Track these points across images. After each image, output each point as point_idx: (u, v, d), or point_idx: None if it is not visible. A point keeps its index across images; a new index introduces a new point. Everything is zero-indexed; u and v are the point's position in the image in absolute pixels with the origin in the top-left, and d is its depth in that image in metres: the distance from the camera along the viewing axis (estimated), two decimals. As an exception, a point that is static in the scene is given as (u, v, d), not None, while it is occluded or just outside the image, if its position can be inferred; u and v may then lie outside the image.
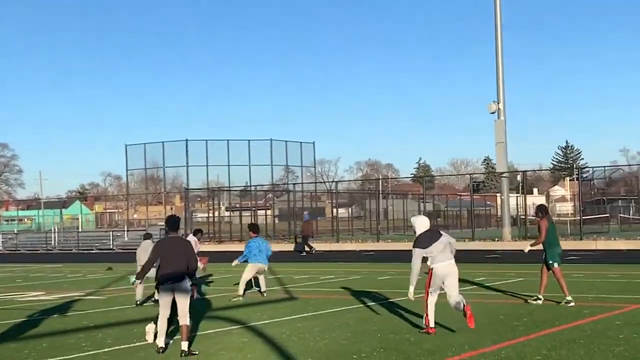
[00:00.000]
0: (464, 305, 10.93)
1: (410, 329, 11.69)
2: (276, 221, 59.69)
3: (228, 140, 55.80)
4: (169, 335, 10.71)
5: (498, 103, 38.07)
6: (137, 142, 58.09)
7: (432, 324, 11.20)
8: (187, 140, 54.76)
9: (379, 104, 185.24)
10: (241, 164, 55.85)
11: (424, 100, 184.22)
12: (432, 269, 11.27)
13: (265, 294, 17.28)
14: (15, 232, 61.42)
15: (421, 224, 11.63)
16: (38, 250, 52.58)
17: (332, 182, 77.61)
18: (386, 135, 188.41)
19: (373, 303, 15.35)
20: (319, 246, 41.62)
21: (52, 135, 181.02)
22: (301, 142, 60.07)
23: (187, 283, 10.45)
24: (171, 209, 74.92)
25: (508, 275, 21.12)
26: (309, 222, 41.21)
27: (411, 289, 11.17)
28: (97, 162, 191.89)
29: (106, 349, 10.63)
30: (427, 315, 11.25)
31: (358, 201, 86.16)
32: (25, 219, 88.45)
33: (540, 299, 14.46)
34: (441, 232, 11.64)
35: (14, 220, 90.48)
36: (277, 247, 38.31)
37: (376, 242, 41.93)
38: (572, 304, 13.94)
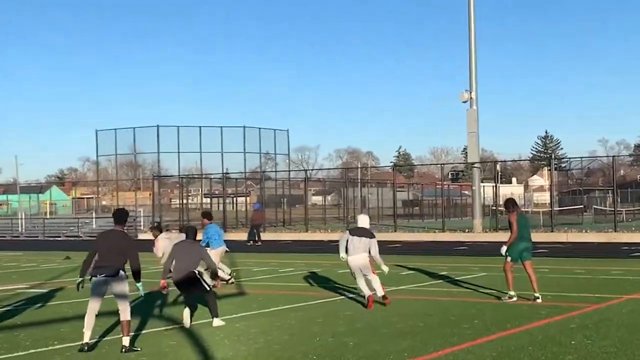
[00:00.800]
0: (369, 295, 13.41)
1: (354, 331, 11.00)
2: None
3: (200, 126, 54.95)
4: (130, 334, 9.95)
5: (470, 92, 37.33)
6: (108, 128, 57.00)
7: (365, 292, 13.48)
8: (158, 126, 53.80)
9: (360, 91, 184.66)
10: (214, 150, 54.96)
11: (405, 88, 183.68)
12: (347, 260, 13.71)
13: (232, 280, 17.48)
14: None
15: (361, 220, 14.24)
16: (5, 237, 51.46)
17: (310, 170, 76.83)
18: (367, 123, 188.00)
19: (322, 300, 14.66)
20: (288, 236, 40.96)
21: (30, 120, 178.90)
22: (275, 130, 59.31)
23: (123, 278, 9.94)
24: (150, 195, 74.02)
25: (472, 269, 20.49)
26: (260, 211, 40.65)
27: (341, 254, 13.89)
28: (76, 147, 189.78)
29: (20, 352, 9.84)
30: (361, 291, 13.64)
31: (337, 189, 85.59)
32: (1, 204, 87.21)
33: (513, 295, 13.97)
34: (371, 233, 13.97)
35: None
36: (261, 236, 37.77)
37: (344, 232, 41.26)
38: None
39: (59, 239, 48.13)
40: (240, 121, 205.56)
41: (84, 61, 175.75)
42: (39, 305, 14.74)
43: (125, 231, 10.54)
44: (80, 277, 10.16)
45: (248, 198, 70.12)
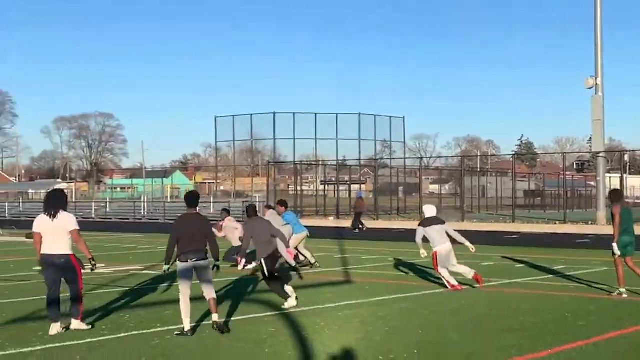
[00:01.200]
0: (473, 274, 14.38)
1: (460, 325, 10.50)
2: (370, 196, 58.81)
3: (316, 113, 55.07)
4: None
5: (596, 78, 35.65)
6: (227, 114, 58.05)
7: (453, 282, 14.23)
8: (274, 113, 54.30)
9: (481, 79, 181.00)
10: (329, 137, 55.01)
11: (528, 75, 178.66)
12: (435, 252, 14.35)
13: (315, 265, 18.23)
14: (108, 200, 62.35)
15: (431, 210, 15.02)
16: (128, 219, 53.20)
17: (427, 157, 75.88)
18: (488, 111, 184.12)
19: (430, 291, 14.21)
20: (402, 224, 40.47)
21: (156, 106, 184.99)
22: (391, 117, 58.77)
23: (207, 261, 10.05)
24: (270, 180, 75.03)
25: (593, 263, 19.45)
26: (362, 200, 40.40)
27: (421, 250, 14.59)
28: (199, 133, 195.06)
29: (123, 334, 9.89)
30: (447, 282, 14.28)
31: (455, 178, 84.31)
32: (128, 188, 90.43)
33: (623, 292, 13.18)
34: (442, 220, 14.93)
35: (117, 188, 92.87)
36: (374, 224, 37.47)
37: (460, 222, 40.30)
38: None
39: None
40: (356, 108, 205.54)
41: (204, 51, 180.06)
42: (149, 287, 14.91)
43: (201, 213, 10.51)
44: (166, 263, 10.13)
45: (364, 186, 69.99)
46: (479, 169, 67.44)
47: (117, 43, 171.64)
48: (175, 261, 10.06)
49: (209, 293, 10.08)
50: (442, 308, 12.14)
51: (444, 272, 14.38)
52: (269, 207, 18.81)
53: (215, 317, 10.03)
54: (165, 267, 10.19)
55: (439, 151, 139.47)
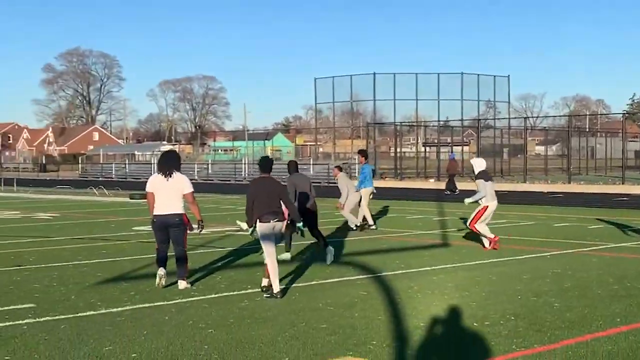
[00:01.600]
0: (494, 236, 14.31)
1: (561, 291, 9.97)
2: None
3: (416, 73, 54.10)
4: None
5: None
6: (326, 76, 57.71)
7: (490, 235, 14.24)
8: (374, 74, 53.66)
9: (589, 36, 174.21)
10: (430, 98, 54.04)
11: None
12: (487, 206, 14.25)
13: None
14: (210, 162, 63.31)
15: (479, 164, 14.61)
16: (229, 181, 53.87)
17: (532, 117, 73.72)
18: (598, 70, 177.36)
19: (531, 255, 13.62)
20: (506, 186, 39.44)
21: (258, 69, 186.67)
22: (495, 76, 57.13)
23: (283, 222, 10.06)
24: (370, 142, 74.71)
25: None
26: (455, 161, 39.34)
27: (468, 200, 14.71)
28: (301, 95, 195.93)
29: (213, 295, 9.82)
30: (486, 236, 14.25)
31: (563, 139, 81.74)
32: (231, 150, 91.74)
33: None
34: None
35: (220, 150, 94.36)
36: (474, 185, 36.63)
37: (567, 183, 38.90)
38: None
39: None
40: (458, 67, 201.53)
41: (303, 12, 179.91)
42: (243, 248, 14.84)
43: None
44: (249, 226, 10.07)
45: (467, 147, 68.69)
46: (587, 129, 65.01)
47: (218, 7, 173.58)
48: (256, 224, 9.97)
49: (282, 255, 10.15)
50: (544, 273, 11.57)
51: (482, 228, 14.30)
52: (339, 168, 18.52)
53: (265, 282, 9.84)
54: (248, 228, 10.17)
55: (545, 111, 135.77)
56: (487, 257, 13.32)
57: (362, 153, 19.36)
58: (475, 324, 8.12)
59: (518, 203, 28.35)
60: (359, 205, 18.16)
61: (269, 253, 9.83)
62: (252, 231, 10.13)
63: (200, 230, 10.71)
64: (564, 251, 14.07)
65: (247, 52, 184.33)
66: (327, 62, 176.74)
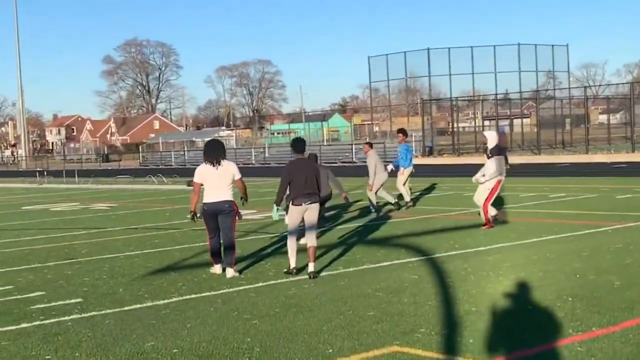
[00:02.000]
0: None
1: (622, 268, 9.53)
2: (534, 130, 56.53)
3: (472, 47, 53.09)
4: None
5: None
6: (380, 54, 57.11)
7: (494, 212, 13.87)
8: (428, 49, 52.86)
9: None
10: (487, 71, 52.96)
11: None
12: (500, 180, 13.67)
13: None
14: (266, 145, 63.35)
15: (493, 138, 13.95)
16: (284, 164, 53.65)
17: (593, 86, 71.85)
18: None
19: (591, 230, 13.11)
20: (567, 158, 38.51)
21: (313, 50, 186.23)
22: (553, 45, 55.70)
23: (317, 204, 10.15)
24: (427, 119, 73.94)
25: None
26: (504, 135, 38.42)
27: (481, 178, 13.83)
28: (357, 75, 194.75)
29: (260, 283, 9.64)
30: (495, 214, 13.84)
31: (627, 107, 79.52)
32: (288, 132, 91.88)
33: None
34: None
35: (279, 133, 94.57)
36: (536, 159, 35.86)
37: (631, 152, 37.72)
38: None
39: (335, 164, 49.19)
40: (515, 38, 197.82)
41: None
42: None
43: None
44: (277, 204, 10.29)
45: (527, 119, 67.39)
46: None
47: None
48: (287, 204, 10.21)
49: (311, 240, 10.02)
50: (605, 248, 11.10)
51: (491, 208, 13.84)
52: (370, 145, 18.15)
53: (311, 266, 9.84)
54: (276, 208, 10.39)
55: (608, 79, 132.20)
56: (547, 233, 12.86)
57: (402, 131, 18.86)
58: (530, 307, 7.78)
59: (579, 175, 27.57)
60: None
61: (291, 234, 10.15)
62: (277, 210, 10.35)
63: (244, 203, 10.75)
64: (627, 224, 13.53)
65: (301, 34, 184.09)
66: (381, 39, 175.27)
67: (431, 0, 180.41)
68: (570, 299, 7.97)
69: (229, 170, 10.32)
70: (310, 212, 10.06)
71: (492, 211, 13.87)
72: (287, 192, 10.23)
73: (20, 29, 78.96)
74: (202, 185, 10.36)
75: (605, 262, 9.99)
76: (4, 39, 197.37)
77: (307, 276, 9.76)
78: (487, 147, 14.03)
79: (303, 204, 9.97)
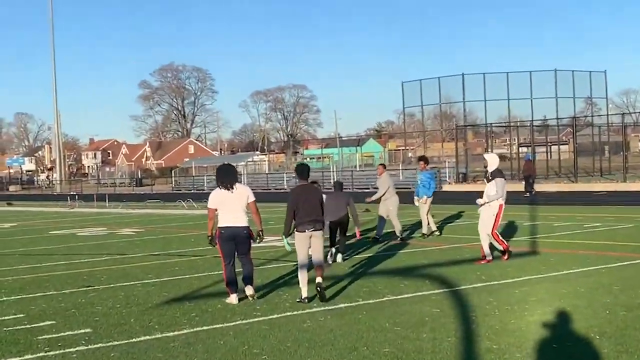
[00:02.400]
0: None
1: (655, 304, 9.02)
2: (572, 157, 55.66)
3: (507, 72, 52.52)
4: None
5: None
6: (414, 79, 56.79)
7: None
8: (463, 75, 52.40)
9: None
10: (523, 97, 52.32)
11: None
12: (502, 205, 12.99)
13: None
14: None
15: (494, 161, 13.29)
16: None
17: (633, 113, 70.73)
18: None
19: (626, 263, 12.59)
20: (604, 186, 37.72)
21: (347, 75, 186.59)
22: (590, 72, 54.90)
23: (322, 230, 10.23)
24: (463, 145, 73.35)
25: None
26: (531, 162, 37.76)
27: (480, 200, 13.12)
28: (392, 100, 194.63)
29: (276, 314, 9.31)
30: (501, 243, 13.19)
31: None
32: (322, 158, 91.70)
33: None
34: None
35: (313, 158, 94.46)
36: (572, 187, 35.26)
37: (671, 180, 36.85)
38: None
39: (367, 190, 48.78)
40: (551, 64, 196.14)
41: (386, 17, 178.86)
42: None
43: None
44: (285, 235, 10.25)
45: (566, 146, 66.47)
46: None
47: (304, 17, 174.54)
48: (293, 232, 10.16)
49: (318, 259, 10.10)
50: (637, 283, 10.60)
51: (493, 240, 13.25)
52: (384, 166, 18.12)
53: (318, 279, 9.92)
54: (286, 239, 10.32)
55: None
56: (578, 265, 12.36)
57: (423, 159, 18.53)
58: (554, 345, 7.35)
59: (616, 204, 26.88)
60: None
61: (302, 267, 10.03)
62: (287, 242, 10.30)
63: (259, 242, 10.63)
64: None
65: (336, 59, 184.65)
66: (415, 65, 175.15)
67: (466, 26, 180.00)
68: (597, 337, 7.53)
69: (243, 193, 10.29)
70: (315, 239, 10.06)
71: (487, 246, 13.24)
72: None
73: (57, 54, 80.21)
74: (216, 210, 10.19)
75: (637, 298, 9.50)
76: (43, 64, 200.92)
77: (315, 288, 9.86)
78: (487, 170, 13.40)
79: (307, 231, 10.00)
